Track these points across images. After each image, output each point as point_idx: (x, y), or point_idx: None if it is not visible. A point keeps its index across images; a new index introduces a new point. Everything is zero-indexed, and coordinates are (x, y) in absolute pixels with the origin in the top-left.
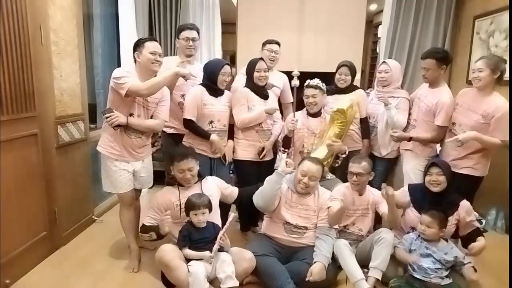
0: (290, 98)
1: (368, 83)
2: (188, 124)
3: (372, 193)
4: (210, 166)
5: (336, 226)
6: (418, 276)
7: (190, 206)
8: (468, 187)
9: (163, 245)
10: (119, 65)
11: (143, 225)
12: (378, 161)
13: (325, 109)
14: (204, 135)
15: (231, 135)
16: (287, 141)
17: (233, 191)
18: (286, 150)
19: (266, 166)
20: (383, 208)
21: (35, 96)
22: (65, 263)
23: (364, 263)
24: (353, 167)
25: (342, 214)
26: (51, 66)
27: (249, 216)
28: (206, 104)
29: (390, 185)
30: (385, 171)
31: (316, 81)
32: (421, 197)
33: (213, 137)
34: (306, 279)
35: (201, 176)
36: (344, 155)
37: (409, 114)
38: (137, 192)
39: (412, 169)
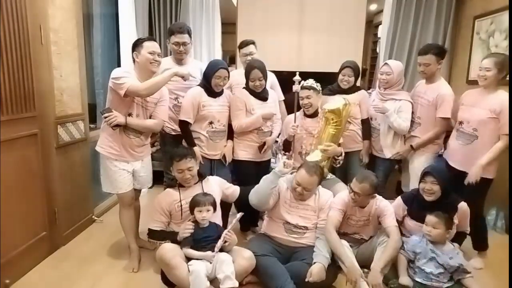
0: (281, 96)
1: (368, 83)
2: (182, 126)
3: (376, 204)
4: (211, 167)
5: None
6: (418, 280)
7: (194, 203)
8: (479, 189)
9: (164, 244)
10: (119, 65)
11: (150, 230)
12: (379, 161)
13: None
14: (190, 143)
15: (230, 135)
16: (288, 145)
17: (234, 191)
18: (287, 153)
19: (265, 166)
20: (388, 223)
21: (35, 96)
22: (65, 263)
23: (365, 264)
24: (353, 183)
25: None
26: (51, 66)
27: (249, 216)
28: (205, 105)
29: (391, 186)
30: (387, 171)
31: (310, 82)
32: (417, 205)
33: (196, 149)
34: (306, 280)
35: (202, 176)
36: (341, 157)
37: (412, 112)
38: (137, 192)
39: (419, 167)
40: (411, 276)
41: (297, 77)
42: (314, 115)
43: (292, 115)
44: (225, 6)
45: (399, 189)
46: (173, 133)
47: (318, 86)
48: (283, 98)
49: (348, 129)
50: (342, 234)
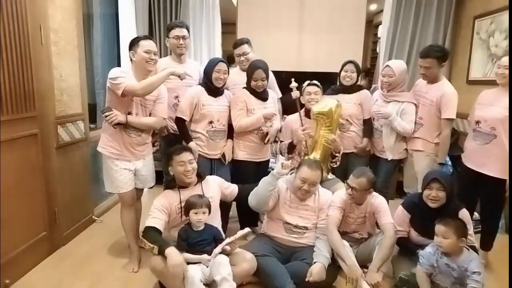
0: (278, 93)
1: (369, 83)
2: (178, 122)
3: (372, 201)
4: (211, 167)
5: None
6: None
7: (190, 204)
8: (497, 191)
9: (155, 256)
10: (119, 65)
11: (146, 227)
12: (381, 161)
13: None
14: (186, 138)
15: (230, 134)
16: (292, 148)
17: (233, 190)
18: (291, 155)
19: (265, 166)
20: (383, 220)
21: (35, 96)
22: (65, 263)
23: (364, 263)
24: (351, 179)
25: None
26: (51, 66)
27: (249, 216)
28: (205, 104)
29: (391, 187)
30: (389, 171)
31: (315, 81)
32: (419, 213)
33: (192, 144)
34: (306, 279)
35: (201, 177)
36: (338, 154)
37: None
38: (139, 191)
39: (424, 169)
40: None
41: (293, 84)
42: None
43: (292, 116)
44: (225, 6)
45: (399, 189)
46: (173, 132)
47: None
48: (280, 95)
49: (349, 130)
50: (341, 234)
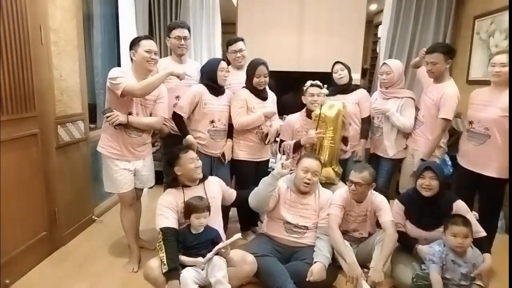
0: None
1: (368, 82)
2: (176, 118)
3: (372, 199)
4: (210, 165)
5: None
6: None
7: (192, 208)
8: (496, 190)
9: (150, 261)
10: (119, 65)
11: (166, 228)
12: (383, 161)
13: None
14: (184, 132)
15: (230, 134)
16: (298, 148)
17: (231, 194)
18: (295, 155)
19: (265, 166)
20: (384, 218)
21: (35, 96)
22: (65, 263)
23: (364, 263)
24: (353, 175)
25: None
26: (51, 66)
27: (249, 216)
28: (207, 103)
29: (392, 187)
30: (390, 171)
31: (318, 82)
32: (414, 205)
33: (189, 137)
34: (307, 279)
35: (204, 177)
36: (348, 146)
37: (417, 110)
38: (139, 191)
39: None
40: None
41: (324, 90)
42: None
43: (292, 116)
44: (225, 6)
45: (398, 189)
46: (173, 132)
47: None
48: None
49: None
50: (342, 233)
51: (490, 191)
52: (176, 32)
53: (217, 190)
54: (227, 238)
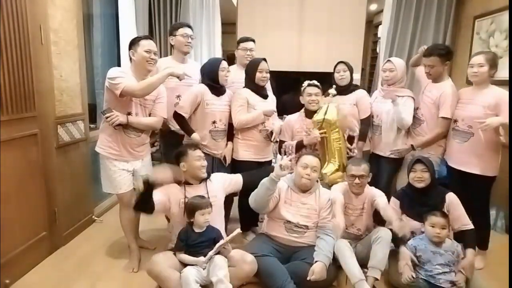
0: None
1: (368, 82)
2: (177, 118)
3: (368, 191)
4: (212, 165)
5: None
6: (431, 281)
7: (196, 206)
8: (481, 188)
9: (154, 256)
10: (119, 65)
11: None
12: (383, 160)
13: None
14: (188, 131)
15: (230, 136)
16: (300, 148)
17: (237, 181)
18: (297, 155)
19: (267, 167)
20: (380, 203)
21: (35, 96)
22: (65, 263)
23: (363, 263)
24: (355, 170)
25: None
26: (51, 66)
27: (249, 216)
28: (209, 104)
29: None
30: (390, 171)
31: (315, 81)
32: (408, 199)
33: (195, 135)
34: (307, 278)
35: (205, 176)
36: (354, 145)
37: (417, 108)
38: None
39: None
40: (419, 275)
41: (332, 91)
42: (313, 116)
43: (292, 116)
44: (225, 6)
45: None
46: (173, 129)
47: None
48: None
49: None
50: None
51: (475, 189)
52: (183, 30)
53: (219, 189)
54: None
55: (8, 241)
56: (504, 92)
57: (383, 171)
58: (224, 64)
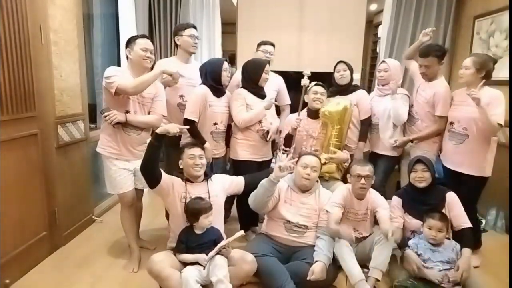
0: (287, 100)
1: (368, 82)
2: (189, 125)
3: (372, 197)
4: (211, 166)
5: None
6: (432, 279)
7: (199, 210)
8: (473, 188)
9: (153, 255)
10: (119, 65)
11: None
12: (380, 159)
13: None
14: (201, 140)
15: (227, 136)
16: (289, 140)
17: (238, 183)
18: (287, 149)
19: (267, 166)
20: (381, 214)
21: (35, 96)
22: (65, 263)
23: (363, 263)
24: (360, 169)
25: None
26: (51, 66)
27: (249, 216)
28: (211, 105)
29: (391, 186)
30: (386, 169)
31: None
32: (409, 198)
33: (207, 145)
34: (307, 278)
35: (207, 175)
36: (346, 164)
37: (411, 106)
38: (139, 192)
39: None
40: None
41: (307, 72)
42: (316, 116)
43: (294, 115)
44: (225, 6)
45: (399, 189)
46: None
47: None
48: (289, 102)
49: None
50: None
51: (467, 189)
52: (190, 31)
53: (220, 190)
54: (227, 238)
55: (8, 241)
56: (495, 91)
57: (378, 169)
58: (226, 64)
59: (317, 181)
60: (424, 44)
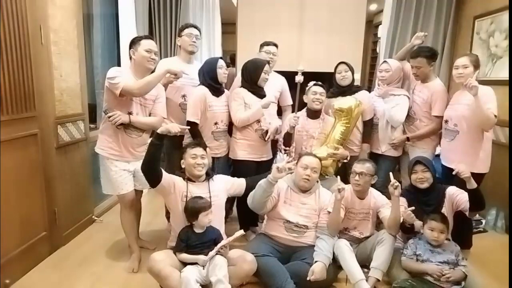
0: (289, 100)
1: (368, 82)
2: (192, 127)
3: (374, 197)
4: (213, 165)
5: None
6: (431, 280)
7: (199, 209)
8: (464, 185)
9: (153, 254)
10: (119, 65)
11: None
12: (380, 159)
13: (330, 113)
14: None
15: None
16: (288, 139)
17: (239, 186)
18: (287, 148)
19: (265, 166)
20: (384, 213)
21: (35, 96)
22: (65, 263)
23: (364, 263)
24: (357, 166)
25: (339, 216)
26: (51, 66)
27: (249, 216)
28: (211, 106)
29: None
30: (388, 169)
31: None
32: (411, 199)
33: (208, 150)
34: (308, 279)
35: (208, 175)
36: (346, 160)
37: (410, 107)
38: (138, 193)
39: None
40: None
41: (300, 67)
42: (315, 116)
43: (293, 114)
44: (225, 6)
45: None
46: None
47: None
48: (291, 102)
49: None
50: (342, 231)
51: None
52: (189, 30)
53: (221, 190)
54: (227, 238)
55: (8, 241)
56: (485, 88)
57: (380, 170)
58: (221, 62)
59: (317, 181)
60: (415, 47)
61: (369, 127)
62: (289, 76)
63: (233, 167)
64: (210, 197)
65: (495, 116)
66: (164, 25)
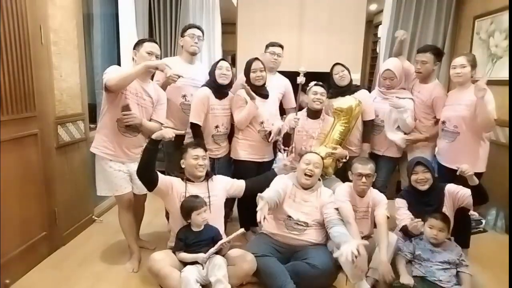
0: (293, 103)
1: (368, 82)
2: (194, 129)
3: (373, 195)
4: (213, 166)
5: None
6: (429, 278)
7: (191, 207)
8: (467, 184)
9: (153, 254)
10: (119, 65)
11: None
12: (381, 160)
13: (330, 114)
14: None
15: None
16: (287, 139)
17: (238, 186)
18: (286, 148)
19: (266, 166)
20: (378, 211)
21: (35, 96)
22: (65, 263)
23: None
24: (362, 168)
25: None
26: (51, 66)
27: (249, 216)
28: (213, 108)
29: (391, 186)
30: (389, 170)
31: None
32: (411, 200)
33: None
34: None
35: (208, 175)
36: (345, 160)
37: None
38: (142, 198)
39: None
40: (419, 273)
41: (302, 69)
42: (316, 116)
43: (292, 115)
44: (225, 6)
45: (399, 189)
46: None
47: None
48: (294, 105)
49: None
50: None
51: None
52: (191, 31)
53: (220, 190)
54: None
55: (8, 241)
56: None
57: (380, 170)
58: (221, 63)
59: (319, 180)
60: (398, 39)
61: (369, 127)
62: (289, 76)
63: (234, 167)
64: (209, 197)
65: (495, 119)
66: (164, 25)
